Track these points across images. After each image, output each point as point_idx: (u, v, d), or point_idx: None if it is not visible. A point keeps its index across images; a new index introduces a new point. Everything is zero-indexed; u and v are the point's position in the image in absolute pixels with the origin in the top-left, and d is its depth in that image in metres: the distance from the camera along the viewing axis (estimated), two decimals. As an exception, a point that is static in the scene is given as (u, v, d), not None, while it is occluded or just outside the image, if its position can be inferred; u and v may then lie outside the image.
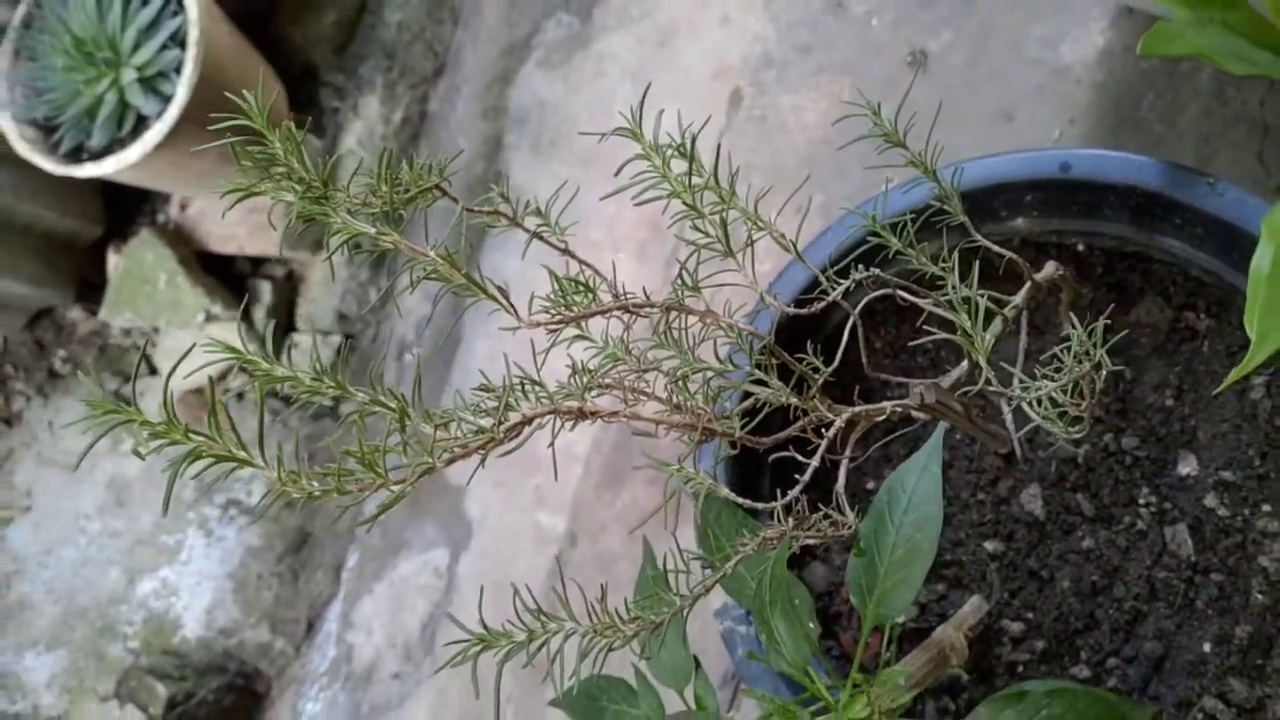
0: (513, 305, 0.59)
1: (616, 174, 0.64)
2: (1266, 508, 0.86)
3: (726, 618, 0.87)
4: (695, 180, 0.65)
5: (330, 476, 0.48)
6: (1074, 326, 0.59)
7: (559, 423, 0.55)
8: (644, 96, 0.61)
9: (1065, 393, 0.58)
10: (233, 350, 0.53)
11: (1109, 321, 0.61)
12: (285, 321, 1.88)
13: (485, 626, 0.54)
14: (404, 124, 1.92)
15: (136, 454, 0.46)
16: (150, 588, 1.76)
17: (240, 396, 1.85)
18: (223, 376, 1.83)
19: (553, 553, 1.57)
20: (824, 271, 0.68)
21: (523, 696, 1.45)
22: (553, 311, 0.59)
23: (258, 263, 1.86)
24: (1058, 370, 0.59)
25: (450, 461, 0.50)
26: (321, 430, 1.76)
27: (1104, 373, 0.58)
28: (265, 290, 1.83)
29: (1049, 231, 0.95)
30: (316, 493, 0.48)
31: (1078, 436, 0.62)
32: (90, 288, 1.90)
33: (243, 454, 0.47)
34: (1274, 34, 0.90)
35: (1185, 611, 0.87)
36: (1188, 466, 0.89)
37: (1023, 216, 0.94)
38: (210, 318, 1.79)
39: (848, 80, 1.38)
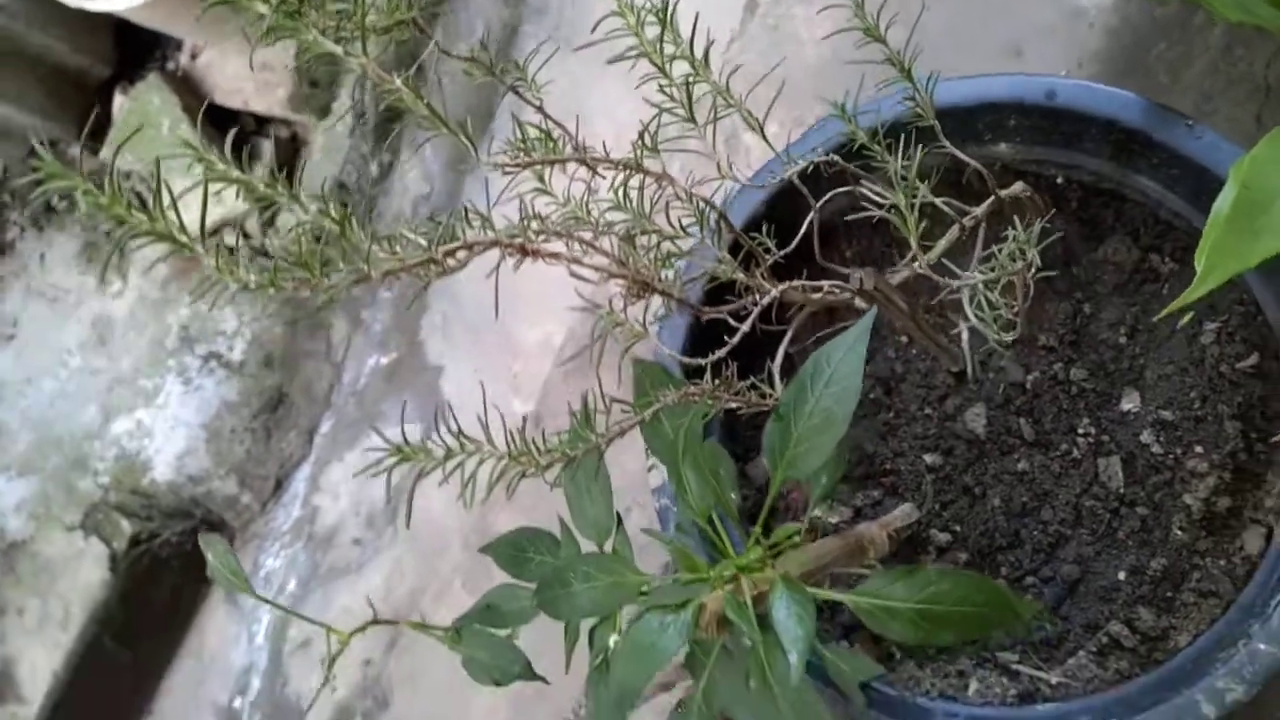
0: (473, 142, 0.60)
1: (593, 30, 0.65)
2: (1199, 449, 0.88)
3: (663, 495, 0.90)
4: (670, 49, 0.66)
5: (268, 273, 0.50)
6: (1014, 228, 0.60)
7: (503, 256, 0.57)
8: (624, -50, 0.61)
9: (996, 290, 0.60)
10: (189, 145, 0.54)
11: (1046, 224, 0.62)
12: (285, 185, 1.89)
13: (406, 440, 0.56)
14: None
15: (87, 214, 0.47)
16: (125, 428, 1.79)
17: (231, 251, 1.87)
18: (215, 231, 1.83)
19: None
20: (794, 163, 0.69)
21: (472, 567, 1.49)
22: (511, 154, 0.60)
23: (262, 121, 1.86)
24: (993, 269, 0.61)
25: (386, 274, 0.52)
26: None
27: (1034, 272, 0.60)
28: (267, 149, 1.84)
29: (1030, 160, 0.95)
30: (251, 285, 0.50)
31: (1008, 339, 0.63)
32: (95, 127, 1.90)
33: (183, 237, 0.48)
34: (1280, -14, 0.89)
35: (1106, 540, 0.90)
36: (1130, 403, 0.91)
37: (1005, 141, 0.94)
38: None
39: (864, -2, 1.37)
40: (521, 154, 0.61)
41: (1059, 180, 0.96)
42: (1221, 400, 0.88)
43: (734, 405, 0.61)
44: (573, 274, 0.58)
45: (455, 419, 0.57)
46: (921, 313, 0.70)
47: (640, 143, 0.63)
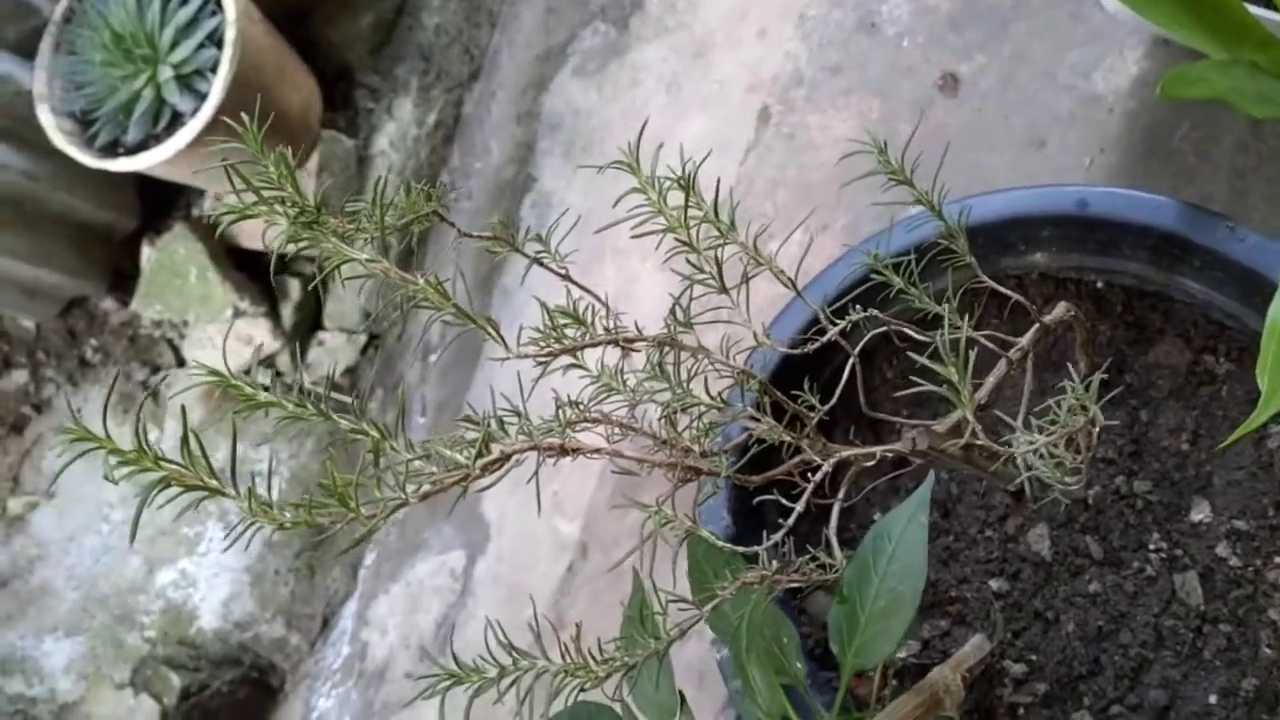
0: (502, 336, 0.59)
1: (615, 205, 0.63)
2: (1279, 559, 0.84)
3: (722, 646, 0.86)
4: (694, 213, 0.64)
5: (303, 508, 0.48)
6: (1072, 379, 0.57)
7: (540, 458, 0.55)
8: (640, 132, 0.60)
9: (1059, 446, 0.57)
10: (215, 373, 0.53)
11: (1104, 376, 0.60)
12: (313, 319, 1.89)
13: (456, 661, 0.53)
14: (437, 126, 1.93)
15: (109, 479, 0.46)
16: (169, 578, 1.78)
17: (267, 388, 1.87)
18: (247, 371, 1.84)
19: (568, 560, 1.57)
20: (826, 308, 0.67)
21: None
22: (540, 344, 0.59)
23: (288, 259, 1.88)
24: (1053, 422, 0.58)
25: (424, 496, 0.50)
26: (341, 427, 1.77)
27: (1098, 429, 0.57)
28: (294, 287, 1.84)
29: (1068, 267, 0.93)
30: (288, 524, 0.48)
31: (1073, 487, 0.60)
32: (123, 279, 1.92)
33: (214, 483, 0.47)
34: (1306, 74, 0.87)
35: (1192, 661, 0.85)
36: (1201, 513, 0.87)
37: (1041, 251, 0.92)
38: (239, 313, 1.81)
39: (877, 101, 1.36)
40: (553, 340, 0.60)
41: (1100, 285, 0.94)
42: (1297, 507, 0.84)
43: (795, 585, 0.58)
44: (615, 470, 0.56)
45: (504, 632, 0.54)
46: (977, 454, 0.68)
47: (672, 318, 0.61)
